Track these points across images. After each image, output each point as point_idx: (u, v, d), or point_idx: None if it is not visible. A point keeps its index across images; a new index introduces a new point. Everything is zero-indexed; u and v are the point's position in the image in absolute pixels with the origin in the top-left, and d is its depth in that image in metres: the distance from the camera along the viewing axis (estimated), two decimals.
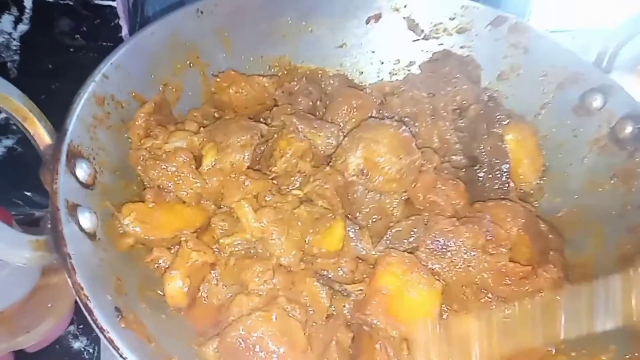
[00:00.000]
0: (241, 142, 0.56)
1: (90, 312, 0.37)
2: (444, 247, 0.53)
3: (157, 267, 0.49)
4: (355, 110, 0.65)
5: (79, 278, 0.38)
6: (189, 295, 0.47)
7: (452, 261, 0.53)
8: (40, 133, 0.46)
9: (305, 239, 0.52)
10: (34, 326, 0.71)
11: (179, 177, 0.53)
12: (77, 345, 0.79)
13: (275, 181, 0.57)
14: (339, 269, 0.53)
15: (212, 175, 0.55)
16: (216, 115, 0.68)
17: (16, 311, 0.70)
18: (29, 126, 0.45)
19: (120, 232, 0.47)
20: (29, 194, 0.89)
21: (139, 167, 0.54)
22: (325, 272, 0.53)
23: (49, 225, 0.41)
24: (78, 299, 0.37)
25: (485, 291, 0.54)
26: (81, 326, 0.79)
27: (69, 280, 0.38)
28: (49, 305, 0.73)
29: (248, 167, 0.57)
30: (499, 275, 0.52)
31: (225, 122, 0.60)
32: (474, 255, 0.52)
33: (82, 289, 0.37)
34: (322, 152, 0.61)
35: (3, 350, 0.69)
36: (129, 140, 0.56)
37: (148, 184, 0.54)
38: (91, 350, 0.79)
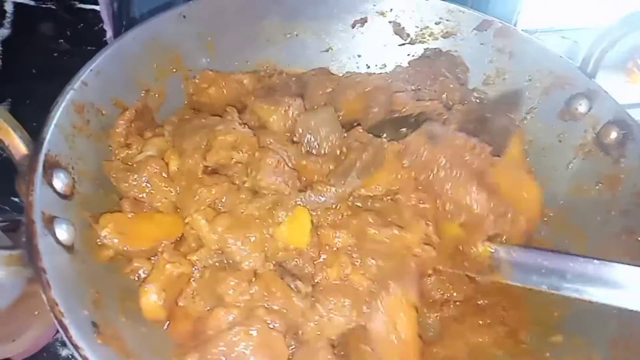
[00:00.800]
0: (192, 144, 0.54)
1: (65, 329, 0.36)
2: None
3: (138, 278, 0.48)
4: (328, 94, 0.65)
5: (53, 294, 0.37)
6: (166, 308, 0.46)
7: None
8: (16, 143, 0.45)
9: (266, 235, 0.51)
10: (20, 334, 0.71)
11: (150, 187, 0.52)
12: (65, 352, 0.79)
13: (235, 182, 0.55)
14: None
15: (180, 183, 0.53)
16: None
17: (2, 319, 0.69)
18: (3, 136, 0.44)
19: (99, 243, 0.47)
20: (15, 199, 0.88)
21: (112, 178, 0.53)
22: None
23: (24, 239, 0.40)
24: (52, 316, 0.36)
25: None
26: None
27: (43, 296, 0.37)
28: (36, 312, 0.72)
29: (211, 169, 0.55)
30: None
31: (182, 124, 0.59)
32: None
33: (56, 304, 0.37)
34: (283, 126, 0.61)
35: None
36: (110, 148, 0.55)
37: (124, 194, 0.53)
38: (80, 359, 0.78)
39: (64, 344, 0.79)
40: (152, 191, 0.52)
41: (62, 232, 0.43)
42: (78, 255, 0.44)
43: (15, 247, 0.40)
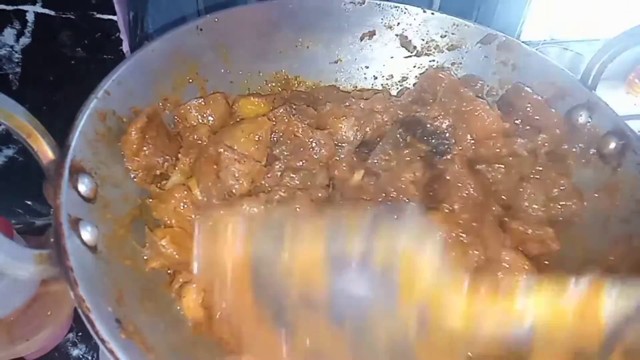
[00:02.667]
0: (206, 176, 0.57)
1: (92, 324, 0.38)
2: None
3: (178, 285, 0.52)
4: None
5: (80, 291, 0.39)
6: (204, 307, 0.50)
7: None
8: (44, 149, 0.47)
9: None
10: (33, 334, 0.72)
11: (179, 214, 0.55)
12: (75, 352, 0.80)
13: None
14: None
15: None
16: None
17: (16, 319, 0.71)
18: (32, 143, 0.47)
19: (145, 257, 0.50)
20: (29, 202, 0.90)
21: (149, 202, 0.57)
22: None
23: (52, 239, 0.42)
24: (80, 311, 0.39)
25: None
26: (80, 334, 0.81)
27: (71, 293, 0.39)
28: (49, 313, 0.74)
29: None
30: None
31: (197, 150, 0.61)
32: None
33: (83, 301, 0.39)
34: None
35: (2, 358, 0.70)
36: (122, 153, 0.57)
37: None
38: (90, 358, 0.80)
39: (75, 344, 0.81)
40: (180, 217, 0.56)
41: (87, 234, 0.45)
42: (101, 256, 0.46)
43: (44, 247, 0.42)
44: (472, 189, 0.57)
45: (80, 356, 0.80)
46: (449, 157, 0.62)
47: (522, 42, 0.71)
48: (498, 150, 0.63)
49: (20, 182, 0.89)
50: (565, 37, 1.39)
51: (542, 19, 1.34)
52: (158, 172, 0.60)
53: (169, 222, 0.56)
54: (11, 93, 0.85)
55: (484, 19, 1.01)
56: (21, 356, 0.73)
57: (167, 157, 0.60)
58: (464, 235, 0.54)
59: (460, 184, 0.57)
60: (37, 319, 0.73)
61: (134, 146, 0.57)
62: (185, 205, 0.56)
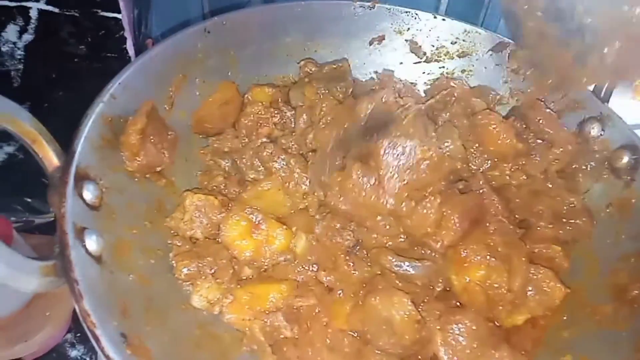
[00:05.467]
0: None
1: (97, 340, 0.37)
2: None
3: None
4: None
5: (86, 304, 0.38)
6: None
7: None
8: (49, 155, 0.46)
9: None
10: (32, 335, 0.71)
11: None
12: (74, 353, 0.79)
13: None
14: None
15: None
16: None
17: (14, 320, 0.70)
18: (37, 149, 0.46)
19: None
20: (29, 200, 0.89)
21: None
22: None
23: (57, 250, 0.41)
24: (85, 326, 0.38)
25: None
26: (78, 334, 0.80)
27: (76, 306, 0.39)
28: (48, 313, 0.73)
29: None
30: None
31: None
32: None
33: (89, 315, 0.38)
34: None
35: (1, 359, 0.69)
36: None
37: None
38: (88, 359, 0.79)
39: (73, 345, 0.80)
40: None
41: (92, 243, 0.44)
42: (106, 266, 0.45)
43: (49, 257, 0.41)
44: (499, 207, 0.56)
45: (79, 357, 0.79)
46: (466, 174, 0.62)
47: None
48: (511, 172, 0.62)
49: (19, 180, 0.88)
50: None
51: None
52: (158, 169, 0.59)
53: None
54: (13, 90, 0.84)
55: (490, 24, 1.00)
56: (19, 357, 0.72)
57: (166, 152, 0.59)
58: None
59: (486, 201, 0.57)
60: (36, 320, 0.72)
61: (135, 147, 0.55)
62: None
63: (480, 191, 0.57)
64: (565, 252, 0.57)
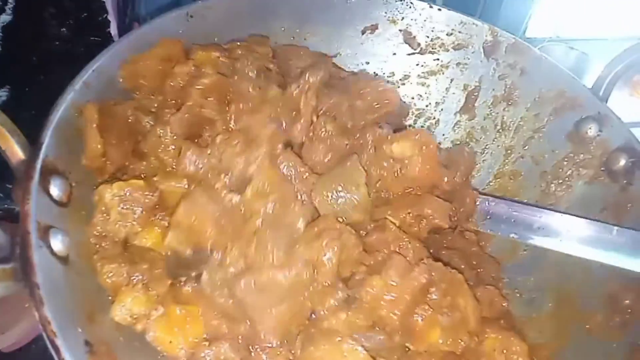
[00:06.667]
0: None
1: (57, 351, 0.35)
2: None
3: None
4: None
5: (46, 311, 0.36)
6: None
7: None
8: (13, 148, 0.43)
9: None
10: (10, 327, 0.70)
11: None
12: None
13: None
14: None
15: None
16: None
17: None
18: (0, 141, 0.43)
19: None
20: (9, 186, 0.87)
21: None
22: None
23: (18, 251, 0.39)
24: (44, 336, 0.35)
25: None
26: None
27: (35, 313, 0.36)
28: (26, 305, 0.71)
29: None
30: None
31: None
32: None
33: (49, 323, 0.36)
34: None
35: None
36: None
37: None
38: None
39: None
40: None
41: (58, 243, 0.42)
42: (73, 267, 0.43)
43: (6, 260, 0.39)
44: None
45: None
46: None
47: (527, 38, 0.67)
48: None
49: (1, 166, 0.85)
50: (570, 35, 1.35)
51: (548, 16, 1.30)
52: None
53: None
54: None
55: (489, 15, 0.97)
56: None
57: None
58: None
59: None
60: (14, 312, 0.71)
61: (101, 170, 0.50)
62: None
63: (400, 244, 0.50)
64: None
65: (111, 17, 0.82)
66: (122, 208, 0.48)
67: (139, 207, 0.48)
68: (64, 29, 0.83)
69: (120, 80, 0.55)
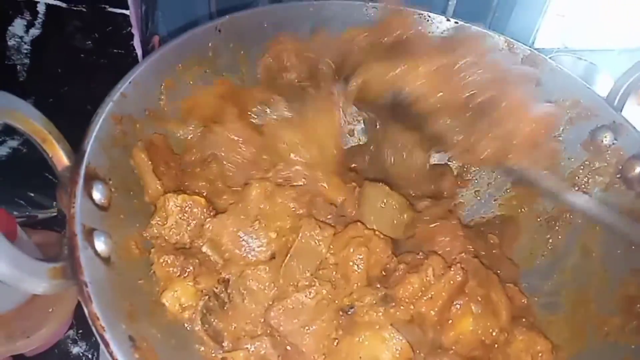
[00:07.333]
0: None
1: (107, 344, 0.37)
2: None
3: None
4: None
5: (95, 308, 0.38)
6: None
7: None
8: (59, 155, 0.46)
9: None
10: (34, 331, 0.71)
11: None
12: (75, 350, 0.79)
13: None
14: None
15: None
16: None
17: (16, 315, 0.69)
18: (47, 148, 0.45)
19: None
20: (32, 194, 0.89)
21: None
22: None
23: (66, 251, 0.41)
24: (94, 330, 0.37)
25: None
26: (80, 331, 0.79)
27: (85, 309, 0.38)
28: (50, 310, 0.73)
29: None
30: None
31: None
32: None
33: (98, 319, 0.37)
34: None
35: (2, 354, 0.69)
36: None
37: None
38: (90, 356, 0.79)
39: (75, 342, 0.79)
40: None
41: (101, 244, 0.44)
42: (114, 268, 0.45)
43: (57, 259, 0.41)
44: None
45: (81, 354, 0.79)
46: None
47: (536, 49, 0.69)
48: None
49: (22, 174, 0.87)
50: (579, 46, 1.37)
51: (557, 27, 1.32)
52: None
53: None
54: (18, 84, 0.83)
55: (498, 25, 0.99)
56: (21, 353, 0.71)
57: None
58: None
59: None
60: (38, 316, 0.72)
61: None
62: None
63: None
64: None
65: (135, 31, 0.85)
66: (180, 218, 0.52)
67: (194, 221, 0.52)
68: (89, 42, 0.85)
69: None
